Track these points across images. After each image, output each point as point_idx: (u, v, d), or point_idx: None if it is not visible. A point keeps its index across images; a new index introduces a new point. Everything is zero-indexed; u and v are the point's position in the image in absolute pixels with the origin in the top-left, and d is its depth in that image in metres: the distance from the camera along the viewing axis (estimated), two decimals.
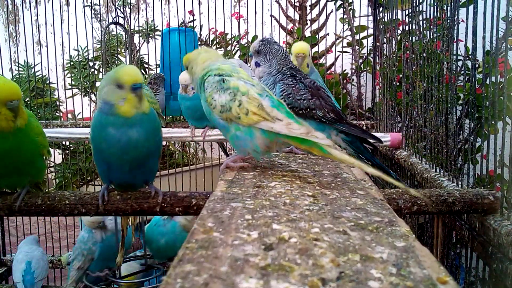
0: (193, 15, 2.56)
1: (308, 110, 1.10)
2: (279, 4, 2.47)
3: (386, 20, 2.08)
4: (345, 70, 2.48)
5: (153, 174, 1.13)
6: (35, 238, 2.06)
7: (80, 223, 2.76)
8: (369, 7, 2.38)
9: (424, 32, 1.54)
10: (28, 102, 2.55)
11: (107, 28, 2.47)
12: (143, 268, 1.94)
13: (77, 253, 1.78)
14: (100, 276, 1.78)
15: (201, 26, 2.54)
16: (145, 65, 2.87)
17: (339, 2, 2.42)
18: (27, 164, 1.06)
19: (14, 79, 2.67)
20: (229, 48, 2.58)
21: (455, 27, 1.25)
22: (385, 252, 0.47)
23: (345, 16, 2.43)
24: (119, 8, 2.39)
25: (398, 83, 1.96)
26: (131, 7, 2.90)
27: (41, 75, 2.52)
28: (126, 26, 2.44)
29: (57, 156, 2.68)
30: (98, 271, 1.78)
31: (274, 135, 0.89)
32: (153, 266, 1.94)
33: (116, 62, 2.81)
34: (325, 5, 2.46)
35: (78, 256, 1.77)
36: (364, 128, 2.30)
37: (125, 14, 2.45)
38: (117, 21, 2.32)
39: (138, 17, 2.83)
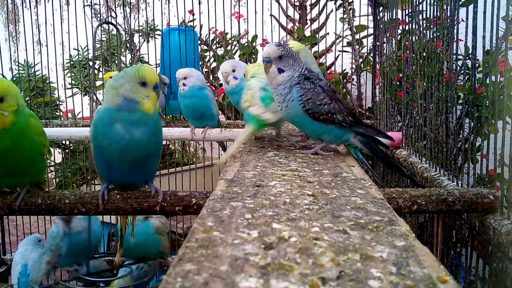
0: (193, 14, 2.55)
1: (330, 115, 1.09)
2: (279, 4, 2.47)
3: (386, 19, 2.08)
4: (345, 70, 2.48)
5: (153, 174, 1.13)
6: (37, 237, 2.06)
7: None
8: (369, 7, 2.38)
9: (424, 31, 1.54)
10: (28, 102, 2.55)
11: (98, 28, 2.46)
12: (110, 267, 1.94)
13: (47, 247, 1.78)
14: (69, 270, 1.77)
15: (201, 26, 2.54)
16: None
17: (339, 2, 2.42)
18: (27, 163, 1.06)
19: (14, 79, 2.67)
20: (229, 47, 2.58)
21: (455, 27, 1.25)
22: (385, 251, 0.47)
23: (345, 15, 2.43)
24: (112, 7, 2.39)
25: (398, 83, 1.96)
26: (131, 6, 2.90)
27: (41, 75, 2.52)
28: (125, 25, 2.44)
29: (57, 156, 2.68)
30: (66, 266, 1.77)
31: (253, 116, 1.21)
32: (122, 265, 1.93)
33: (116, 61, 2.81)
34: (325, 4, 2.46)
35: (47, 250, 1.77)
36: None
37: (124, 13, 2.45)
38: (109, 20, 2.32)
39: (138, 16, 2.83)
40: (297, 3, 2.55)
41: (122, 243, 1.40)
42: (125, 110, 0.97)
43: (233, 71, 1.65)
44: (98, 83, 2.78)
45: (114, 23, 2.35)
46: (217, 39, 2.63)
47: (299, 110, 1.09)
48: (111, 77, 2.10)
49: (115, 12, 2.41)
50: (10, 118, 0.98)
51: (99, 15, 2.85)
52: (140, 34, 2.82)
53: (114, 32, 2.78)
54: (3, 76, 2.41)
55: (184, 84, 1.82)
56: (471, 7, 1.10)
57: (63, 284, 1.73)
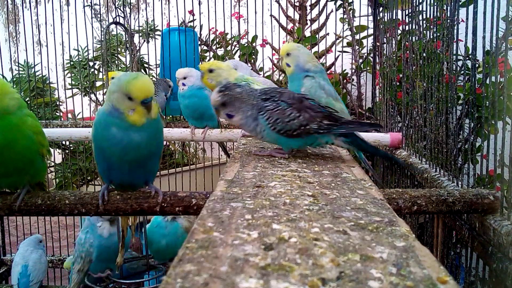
0: (193, 15, 2.55)
1: (302, 127, 1.05)
2: (279, 4, 2.47)
3: (386, 20, 2.08)
4: (345, 70, 2.48)
5: (153, 175, 1.13)
6: (38, 238, 2.06)
7: (80, 223, 2.76)
8: (369, 7, 2.38)
9: (424, 32, 1.54)
10: (29, 102, 2.55)
11: (108, 28, 2.47)
12: (145, 268, 1.94)
13: (76, 256, 1.78)
14: (101, 276, 1.78)
15: (201, 26, 2.54)
16: (145, 65, 2.87)
17: (339, 2, 2.42)
18: (25, 162, 1.05)
19: (14, 79, 2.67)
20: (229, 48, 2.58)
21: (455, 27, 1.25)
22: (385, 252, 0.47)
23: (345, 16, 2.43)
24: (119, 7, 2.39)
25: (398, 83, 1.96)
26: (131, 7, 2.90)
27: (41, 75, 2.52)
28: (126, 25, 2.44)
29: (57, 156, 2.68)
30: (99, 271, 1.78)
31: None
32: (155, 266, 1.94)
33: (116, 62, 2.81)
34: (325, 5, 2.46)
35: (77, 258, 1.77)
36: None
37: (125, 13, 2.45)
38: (118, 20, 2.32)
39: (138, 17, 2.83)
40: (297, 4, 2.55)
41: (124, 243, 1.40)
42: (114, 116, 0.96)
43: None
44: (98, 83, 2.78)
45: (122, 23, 2.35)
46: (217, 39, 2.63)
47: (273, 134, 1.06)
48: (113, 78, 2.10)
49: (123, 12, 2.41)
50: None
51: (99, 16, 2.85)
52: (140, 34, 2.82)
53: (115, 32, 2.78)
54: (3, 76, 2.41)
55: (183, 84, 1.82)
56: (471, 7, 1.10)
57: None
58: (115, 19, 2.32)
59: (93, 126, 1.03)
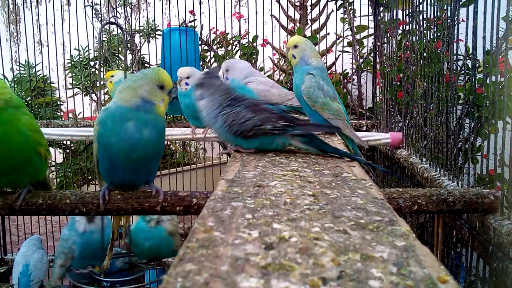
0: (194, 15, 2.56)
1: (256, 128, 1.08)
2: (280, 4, 2.47)
3: (386, 19, 2.08)
4: (345, 70, 2.49)
5: (154, 174, 1.14)
6: (39, 238, 2.07)
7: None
8: (370, 7, 2.38)
9: (425, 31, 1.54)
10: (29, 102, 2.55)
11: (103, 28, 2.46)
12: (126, 266, 1.96)
13: (59, 251, 1.79)
14: (83, 272, 1.78)
15: (201, 26, 2.54)
16: (146, 65, 2.87)
17: (339, 2, 2.42)
18: (21, 160, 1.05)
19: (15, 79, 2.67)
20: (229, 48, 2.58)
21: (456, 27, 1.25)
22: (386, 251, 0.48)
23: (345, 15, 2.43)
24: (116, 8, 2.39)
25: (398, 83, 1.96)
26: (132, 7, 2.90)
27: (42, 75, 2.53)
28: (126, 25, 2.44)
29: (58, 156, 2.68)
30: (81, 268, 1.78)
31: None
32: (137, 264, 1.95)
33: (117, 61, 2.81)
34: (326, 4, 2.46)
35: (60, 254, 1.77)
36: (364, 127, 2.31)
37: (125, 13, 2.45)
38: (115, 20, 2.32)
39: (139, 17, 2.83)
40: (297, 3, 2.55)
41: (113, 246, 1.41)
42: (141, 110, 1.00)
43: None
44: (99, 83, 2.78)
45: (118, 23, 2.35)
46: (218, 39, 2.63)
47: (229, 135, 1.11)
48: (112, 76, 2.10)
49: (119, 12, 2.41)
50: None
51: (100, 15, 2.86)
52: (141, 34, 2.82)
53: (115, 32, 2.78)
54: (4, 76, 2.41)
55: (186, 84, 1.82)
56: (471, 7, 1.10)
57: (80, 286, 1.73)
58: (110, 19, 2.32)
59: (99, 123, 1.03)
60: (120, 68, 2.80)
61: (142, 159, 1.03)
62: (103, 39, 2.80)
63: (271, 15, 2.42)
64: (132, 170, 1.04)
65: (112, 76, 2.08)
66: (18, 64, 2.72)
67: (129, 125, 0.99)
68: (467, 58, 1.77)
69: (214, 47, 2.64)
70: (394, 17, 1.91)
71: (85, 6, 2.75)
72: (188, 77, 1.82)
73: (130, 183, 1.08)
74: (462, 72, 1.80)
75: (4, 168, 1.04)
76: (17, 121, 1.03)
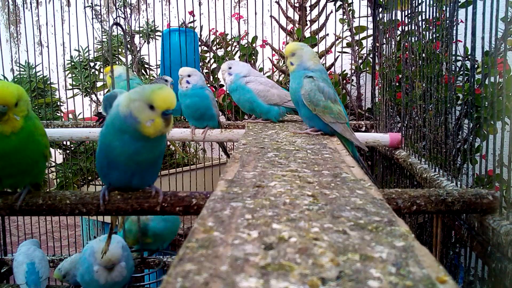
0: (194, 15, 2.56)
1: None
2: (279, 5, 2.47)
3: (385, 20, 2.08)
4: (344, 71, 2.49)
5: (155, 177, 1.13)
6: (36, 241, 2.07)
7: (81, 223, 2.76)
8: (369, 8, 2.39)
9: (424, 32, 1.55)
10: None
11: (103, 29, 2.47)
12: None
13: (67, 268, 1.80)
14: None
15: (201, 27, 2.55)
16: (146, 66, 2.88)
17: (338, 3, 2.43)
18: (31, 164, 1.06)
19: (15, 80, 2.67)
20: (229, 48, 2.58)
21: (454, 28, 1.25)
22: (385, 251, 0.48)
23: (344, 16, 2.44)
24: (119, 8, 2.39)
25: (397, 84, 1.97)
26: (132, 7, 2.91)
27: (42, 76, 2.53)
28: (125, 26, 2.44)
29: (58, 156, 2.68)
30: None
31: None
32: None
33: (117, 62, 2.81)
34: (325, 5, 2.46)
35: (68, 271, 1.78)
36: (363, 128, 2.31)
37: (125, 14, 2.45)
38: (118, 22, 2.33)
39: (139, 17, 2.84)
40: (297, 4, 2.55)
41: (111, 235, 1.42)
42: (128, 123, 0.95)
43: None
44: (99, 84, 2.78)
45: (122, 24, 2.35)
46: (217, 40, 2.64)
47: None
48: (112, 71, 2.09)
49: (124, 13, 2.42)
50: (20, 122, 0.99)
51: (100, 16, 2.86)
52: (141, 35, 2.82)
53: (115, 33, 2.78)
54: (4, 77, 2.41)
55: (188, 82, 1.82)
56: (470, 8, 1.11)
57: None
58: (115, 20, 2.32)
59: (105, 124, 1.02)
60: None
61: (138, 169, 1.02)
62: (103, 39, 2.80)
63: (271, 16, 2.42)
64: (129, 176, 1.04)
65: (111, 71, 2.07)
66: (18, 65, 2.72)
67: (125, 137, 0.97)
68: (466, 59, 1.77)
69: (214, 48, 2.64)
70: (393, 18, 1.91)
71: (85, 7, 2.76)
72: (189, 76, 1.82)
73: (126, 186, 1.08)
74: (461, 72, 1.79)
75: (13, 172, 1.05)
76: (35, 130, 1.04)
